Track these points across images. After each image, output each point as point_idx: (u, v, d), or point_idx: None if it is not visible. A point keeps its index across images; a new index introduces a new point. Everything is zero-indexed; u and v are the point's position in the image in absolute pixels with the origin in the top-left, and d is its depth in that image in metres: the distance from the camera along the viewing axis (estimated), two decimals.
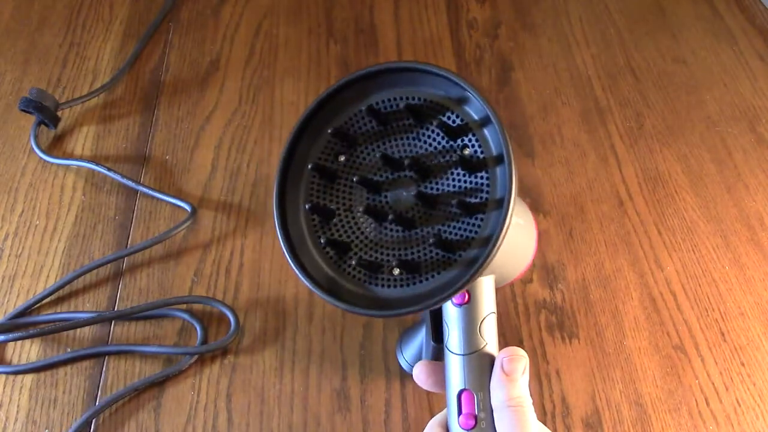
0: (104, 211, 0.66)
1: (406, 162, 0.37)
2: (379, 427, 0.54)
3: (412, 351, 0.54)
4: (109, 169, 0.68)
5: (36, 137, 0.71)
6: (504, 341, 0.58)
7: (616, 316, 0.59)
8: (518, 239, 0.43)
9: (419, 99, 0.38)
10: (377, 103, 0.38)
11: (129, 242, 0.64)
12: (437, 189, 0.37)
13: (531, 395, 0.54)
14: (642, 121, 0.73)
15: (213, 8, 0.85)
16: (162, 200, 0.67)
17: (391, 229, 0.37)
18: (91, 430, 0.54)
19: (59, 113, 0.73)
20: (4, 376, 0.56)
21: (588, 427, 0.53)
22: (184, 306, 0.60)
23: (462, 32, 0.82)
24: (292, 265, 0.37)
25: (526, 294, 0.61)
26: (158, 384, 0.56)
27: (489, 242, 0.35)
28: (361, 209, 0.38)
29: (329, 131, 0.38)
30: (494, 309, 0.42)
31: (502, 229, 0.34)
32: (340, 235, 0.38)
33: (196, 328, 0.58)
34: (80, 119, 0.74)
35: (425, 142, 0.37)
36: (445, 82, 0.37)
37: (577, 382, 0.56)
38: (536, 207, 0.66)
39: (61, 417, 0.54)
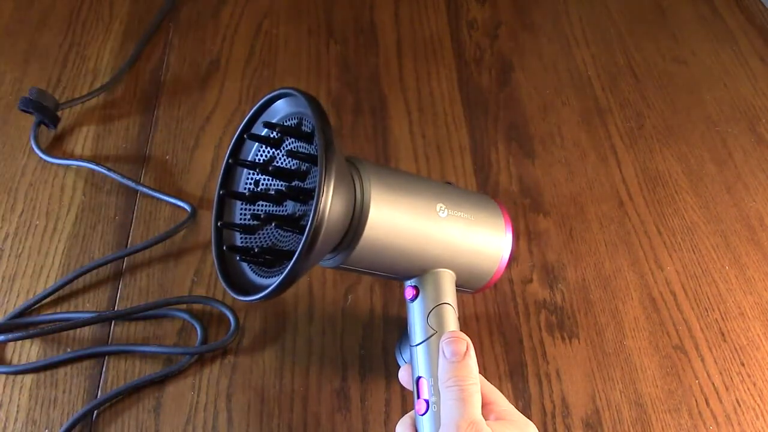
0: (104, 211, 0.66)
1: (273, 171, 0.41)
2: (379, 427, 0.54)
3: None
4: (109, 169, 0.68)
5: (36, 137, 0.71)
6: (504, 341, 0.58)
7: (616, 316, 0.59)
8: (465, 234, 0.46)
9: (277, 119, 0.44)
10: (253, 133, 0.44)
11: (129, 242, 0.64)
12: (304, 188, 0.41)
13: (531, 395, 0.54)
14: (642, 121, 0.73)
15: (213, 8, 0.85)
16: (162, 200, 0.67)
17: (285, 230, 0.41)
18: (91, 429, 0.54)
19: (59, 113, 0.73)
20: (4, 376, 0.56)
21: (588, 427, 0.53)
22: (184, 306, 0.60)
23: (462, 32, 0.82)
24: (218, 270, 0.44)
25: (526, 294, 0.61)
26: (158, 384, 0.55)
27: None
28: (249, 218, 0.44)
29: (230, 162, 0.45)
30: (447, 300, 0.45)
31: (315, 208, 0.37)
32: (249, 242, 0.44)
33: (196, 328, 0.58)
34: (80, 119, 0.74)
35: (299, 152, 0.41)
36: (294, 98, 0.42)
37: (577, 382, 0.56)
38: (536, 207, 0.66)
39: (61, 417, 0.54)
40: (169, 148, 0.71)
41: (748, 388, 0.55)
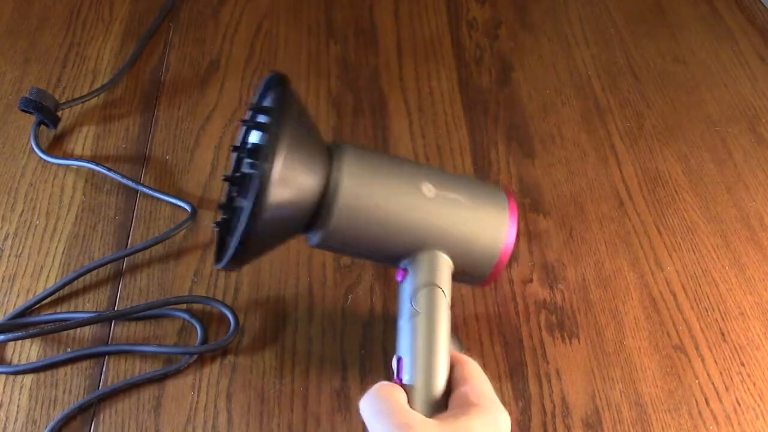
0: (104, 211, 0.66)
1: (248, 149, 0.43)
2: None
3: None
4: (109, 169, 0.68)
5: (36, 137, 0.71)
6: (504, 341, 0.58)
7: (616, 316, 0.59)
8: (457, 216, 0.46)
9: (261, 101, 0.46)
10: (243, 118, 0.45)
11: (129, 242, 0.64)
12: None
13: (531, 395, 0.54)
14: (642, 121, 0.73)
15: (213, 8, 0.85)
16: (162, 200, 0.67)
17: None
18: (91, 429, 0.54)
19: (59, 113, 0.73)
20: (4, 376, 0.56)
21: (588, 427, 0.53)
22: (184, 306, 0.60)
23: (462, 32, 0.82)
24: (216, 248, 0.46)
25: (526, 294, 0.61)
26: (158, 384, 0.55)
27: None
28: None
29: (231, 149, 0.47)
30: (434, 282, 0.45)
31: (266, 167, 0.39)
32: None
33: (196, 328, 0.58)
34: (80, 119, 0.74)
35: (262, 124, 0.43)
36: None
37: (577, 382, 0.56)
38: (536, 207, 0.66)
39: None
40: (169, 148, 0.71)
41: (748, 388, 0.55)
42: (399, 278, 0.46)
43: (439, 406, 0.42)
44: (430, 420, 0.40)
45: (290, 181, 0.40)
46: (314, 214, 0.43)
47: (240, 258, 0.42)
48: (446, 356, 0.44)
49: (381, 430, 0.39)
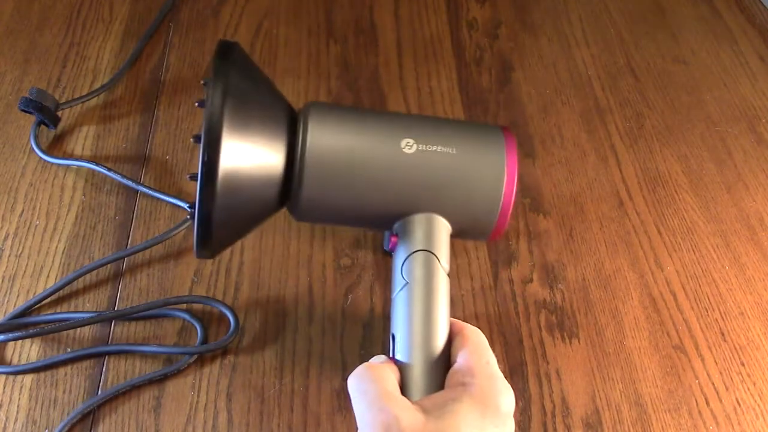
0: (104, 211, 0.66)
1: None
2: None
3: None
4: (109, 169, 0.68)
5: (36, 137, 0.71)
6: (504, 341, 0.58)
7: (616, 316, 0.59)
8: (444, 171, 0.41)
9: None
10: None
11: (129, 242, 0.64)
12: None
13: (531, 395, 0.54)
14: (642, 121, 0.73)
15: (213, 8, 0.85)
16: (162, 200, 0.67)
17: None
18: (91, 429, 0.54)
19: (59, 113, 0.73)
20: (4, 376, 0.56)
21: (588, 427, 0.53)
22: (184, 306, 0.60)
23: (462, 32, 0.82)
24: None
25: (526, 294, 0.61)
26: (158, 384, 0.56)
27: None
28: None
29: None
30: (424, 248, 0.40)
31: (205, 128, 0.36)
32: None
33: (196, 328, 0.58)
34: (80, 119, 0.74)
35: None
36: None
37: (577, 382, 0.56)
38: (536, 207, 0.66)
39: (61, 417, 0.54)
40: (169, 148, 0.71)
41: (748, 388, 0.55)
42: (390, 246, 0.42)
43: (436, 385, 0.39)
44: (412, 406, 0.37)
45: (235, 158, 0.36)
46: (287, 186, 0.40)
47: (208, 243, 0.38)
48: (440, 330, 0.40)
49: (363, 411, 0.37)
